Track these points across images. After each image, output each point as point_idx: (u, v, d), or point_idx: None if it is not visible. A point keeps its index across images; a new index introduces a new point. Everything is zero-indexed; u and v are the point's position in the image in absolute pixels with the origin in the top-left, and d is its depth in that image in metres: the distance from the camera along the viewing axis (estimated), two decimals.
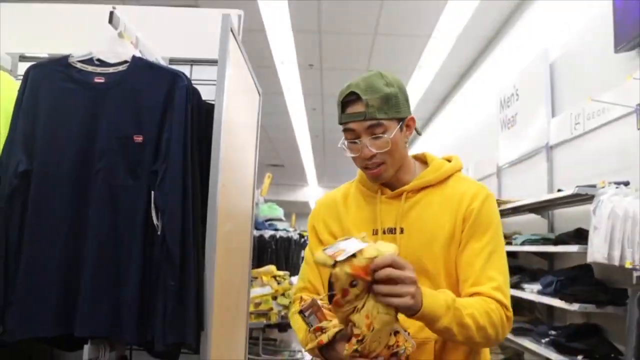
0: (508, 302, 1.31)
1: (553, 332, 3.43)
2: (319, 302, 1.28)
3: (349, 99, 1.34)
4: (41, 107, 1.70)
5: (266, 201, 8.90)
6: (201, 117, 1.84)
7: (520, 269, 4.29)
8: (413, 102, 8.02)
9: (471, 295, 1.31)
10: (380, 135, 1.34)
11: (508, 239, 4.23)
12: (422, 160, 1.53)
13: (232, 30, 1.88)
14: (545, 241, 3.63)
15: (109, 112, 1.71)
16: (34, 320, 1.62)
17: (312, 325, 1.28)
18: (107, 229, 1.66)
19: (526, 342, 3.63)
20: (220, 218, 1.80)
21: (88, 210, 1.67)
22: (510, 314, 1.31)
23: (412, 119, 1.43)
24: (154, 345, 1.64)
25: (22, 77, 1.78)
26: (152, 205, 1.68)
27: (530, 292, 3.61)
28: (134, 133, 1.70)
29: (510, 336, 3.87)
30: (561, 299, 3.12)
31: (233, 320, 2.13)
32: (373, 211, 1.45)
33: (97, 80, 1.73)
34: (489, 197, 1.41)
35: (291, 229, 8.90)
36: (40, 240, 1.65)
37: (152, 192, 1.69)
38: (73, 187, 1.68)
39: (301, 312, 1.29)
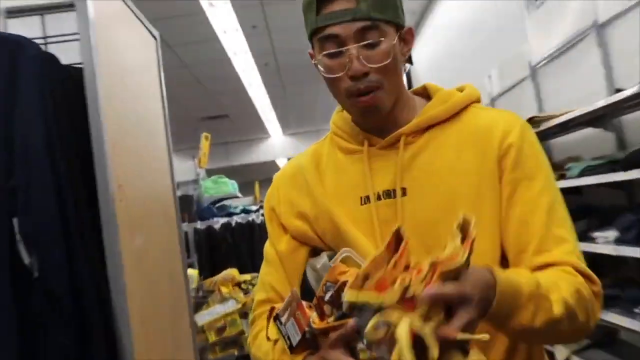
0: (590, 271, 1.31)
1: None
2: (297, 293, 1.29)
3: None
4: None
5: (210, 174, 8.87)
6: (68, 93, 1.85)
7: (587, 209, 4.33)
8: None
9: (540, 268, 1.30)
10: (377, 42, 1.34)
11: (560, 170, 4.27)
12: (423, 94, 1.56)
13: None
14: (613, 165, 3.64)
15: None
16: None
17: (289, 339, 1.29)
18: None
19: (614, 317, 3.63)
20: (123, 233, 1.84)
21: None
22: (599, 288, 1.31)
23: (411, 32, 1.44)
24: None
25: None
26: (18, 237, 1.70)
27: (605, 242, 3.64)
28: None
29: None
30: None
31: None
32: (360, 171, 1.46)
33: None
34: (526, 126, 1.43)
35: (253, 208, 8.91)
36: None
37: (14, 219, 1.70)
38: None
39: (276, 317, 1.31)
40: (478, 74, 6.67)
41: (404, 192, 1.41)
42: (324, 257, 1.44)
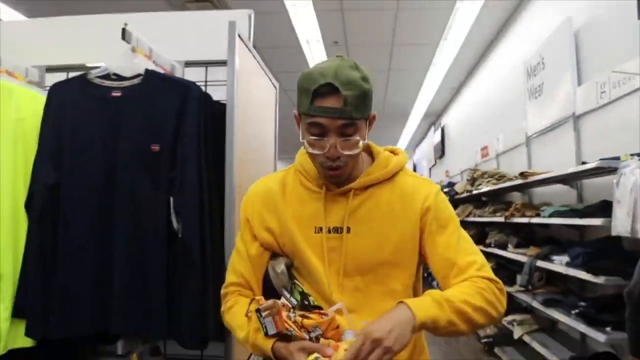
0: (493, 276, 1.30)
1: (583, 304, 3.43)
2: (280, 304, 1.25)
3: (323, 91, 1.20)
4: (64, 123, 1.81)
5: None
6: (215, 121, 1.90)
7: (551, 240, 4.27)
8: (441, 73, 7.92)
9: (455, 283, 1.29)
10: (351, 135, 1.24)
11: (536, 210, 4.21)
12: (367, 151, 1.45)
13: (239, 36, 1.93)
14: (573, 213, 3.58)
15: (127, 125, 1.80)
16: (72, 321, 1.76)
17: (266, 328, 1.25)
18: (132, 234, 1.77)
19: (556, 314, 3.64)
20: (238, 215, 1.86)
21: (114, 218, 1.78)
22: (501, 285, 1.30)
23: (374, 117, 1.32)
24: (182, 339, 1.76)
25: (48, 88, 1.88)
26: (172, 210, 1.77)
27: (560, 264, 3.59)
28: (151, 143, 1.78)
29: (541, 307, 3.89)
30: (588, 271, 3.11)
31: None
32: (317, 208, 1.36)
33: (114, 94, 1.82)
34: (438, 191, 1.38)
35: None
36: (72, 248, 1.78)
37: (171, 199, 1.77)
38: (99, 196, 1.79)
39: (258, 310, 1.26)
40: (489, 136, 6.58)
41: (348, 230, 1.32)
42: (281, 263, 1.38)
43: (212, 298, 1.73)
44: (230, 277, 1.44)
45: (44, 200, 1.77)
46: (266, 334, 1.25)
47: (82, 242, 1.78)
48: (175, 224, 1.76)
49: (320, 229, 1.34)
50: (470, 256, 1.32)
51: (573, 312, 3.43)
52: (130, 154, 1.79)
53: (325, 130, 1.23)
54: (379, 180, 1.36)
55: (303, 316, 1.26)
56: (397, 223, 1.33)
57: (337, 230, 1.33)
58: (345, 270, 1.32)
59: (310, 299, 1.33)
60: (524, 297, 4.24)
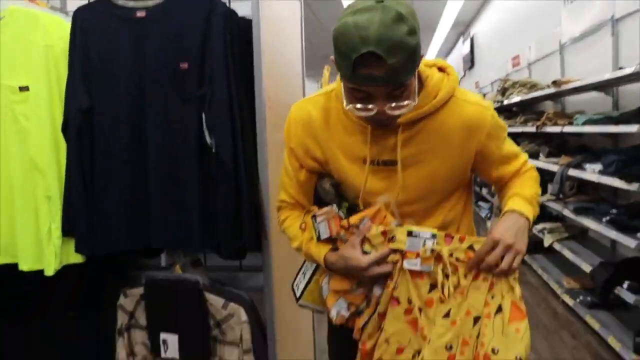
0: (530, 163, 1.43)
1: (614, 211, 3.43)
2: (336, 211, 1.30)
3: (366, 59, 1.06)
4: (91, 47, 1.81)
5: None
6: (241, 38, 1.87)
7: (584, 148, 4.21)
8: None
9: (508, 177, 1.40)
10: (401, 97, 1.15)
11: (569, 119, 4.13)
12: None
13: None
14: (608, 120, 3.51)
15: (153, 44, 1.79)
16: (115, 237, 1.84)
17: (319, 233, 1.30)
18: (166, 151, 1.81)
19: (587, 221, 3.66)
20: (269, 129, 1.89)
21: (147, 136, 1.81)
22: (534, 166, 1.44)
23: (422, 57, 1.18)
24: (220, 250, 1.84)
25: (72, 14, 1.88)
26: (204, 125, 1.79)
27: (592, 172, 3.55)
28: (179, 61, 1.78)
29: (572, 215, 3.90)
30: (620, 178, 3.07)
31: None
32: (364, 141, 1.29)
33: (139, 14, 1.80)
34: (493, 114, 1.32)
35: None
36: (109, 167, 1.83)
37: (203, 114, 1.79)
38: (131, 116, 1.82)
39: (313, 216, 1.31)
40: (520, 44, 6.35)
41: (395, 163, 1.28)
42: (328, 182, 1.41)
43: (246, 210, 1.78)
44: (282, 194, 1.48)
45: (78, 123, 1.81)
46: (318, 239, 1.31)
47: (118, 161, 1.83)
48: (208, 139, 1.78)
49: (369, 161, 1.30)
50: (518, 158, 1.40)
51: (604, 219, 3.44)
52: (158, 72, 1.79)
53: (371, 97, 1.14)
54: (429, 112, 1.27)
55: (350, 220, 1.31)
56: (451, 154, 1.29)
57: (387, 163, 1.29)
58: (397, 203, 1.32)
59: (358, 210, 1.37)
60: (555, 206, 4.25)
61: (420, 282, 1.25)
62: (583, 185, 4.22)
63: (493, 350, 1.19)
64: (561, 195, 4.09)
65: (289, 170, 1.44)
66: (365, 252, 1.27)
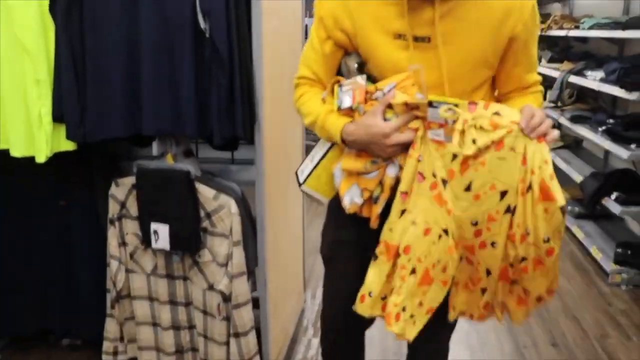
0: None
1: (611, 121, 3.42)
2: (364, 83, 1.26)
3: None
4: None
5: None
6: None
7: (588, 54, 4.13)
8: None
9: (521, 88, 1.39)
10: None
11: (576, 22, 4.01)
12: None
13: None
14: (615, 25, 3.40)
15: None
16: (107, 123, 1.81)
17: (342, 101, 1.26)
18: (159, 34, 1.74)
19: (583, 130, 3.65)
20: (266, 15, 1.82)
21: (139, 19, 1.74)
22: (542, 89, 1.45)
23: None
24: (212, 138, 1.82)
25: None
26: (198, 9, 1.72)
27: (593, 79, 3.50)
28: None
29: (568, 124, 3.89)
30: (621, 87, 3.04)
31: (286, 111, 2.17)
32: (400, 12, 1.25)
33: None
34: (534, 7, 1.29)
35: None
36: (100, 49, 1.77)
37: None
38: None
39: (340, 84, 1.28)
40: None
41: (429, 39, 1.25)
42: (354, 60, 1.36)
43: (240, 98, 1.75)
44: (303, 70, 1.43)
45: (68, 2, 1.73)
46: (339, 108, 1.27)
47: (109, 43, 1.76)
48: (202, 23, 1.72)
49: (403, 36, 1.26)
50: (535, 71, 1.40)
51: (600, 128, 3.43)
52: None
53: None
54: None
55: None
56: (484, 37, 1.26)
57: (423, 39, 1.25)
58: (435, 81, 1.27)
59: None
60: (552, 114, 4.23)
61: (444, 151, 1.20)
62: (583, 93, 4.17)
63: (527, 231, 1.18)
64: (559, 103, 4.06)
65: (314, 42, 1.39)
66: (386, 119, 1.23)
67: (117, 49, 1.77)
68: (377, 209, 1.29)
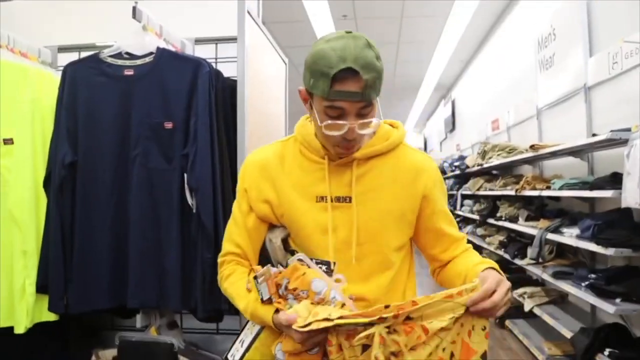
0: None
1: (592, 276, 3.46)
2: (273, 271, 1.29)
3: (343, 75, 1.18)
4: (79, 102, 1.86)
5: None
6: (226, 97, 1.93)
7: (562, 212, 4.30)
8: (451, 46, 7.86)
9: (453, 257, 1.43)
10: (368, 116, 1.25)
11: (547, 182, 4.23)
12: None
13: (249, 12, 1.95)
14: (583, 185, 3.60)
15: (140, 102, 1.84)
16: (91, 296, 1.83)
17: (262, 293, 1.29)
18: (147, 210, 1.82)
19: (566, 286, 3.67)
20: None
21: (129, 194, 1.84)
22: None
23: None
24: (197, 311, 1.82)
25: (62, 68, 1.92)
26: (186, 185, 1.81)
27: (570, 236, 3.61)
28: (164, 120, 1.83)
29: (551, 280, 3.93)
30: (597, 243, 3.13)
31: None
32: (320, 177, 1.36)
33: (127, 72, 1.86)
34: (437, 170, 1.44)
35: None
36: (89, 223, 1.84)
37: (185, 174, 1.82)
38: (114, 173, 1.85)
39: (255, 277, 1.30)
40: (500, 109, 6.57)
41: (349, 200, 1.34)
42: (278, 236, 1.40)
43: None
44: (227, 246, 1.44)
45: (61, 178, 1.83)
46: (262, 300, 1.30)
47: (98, 217, 1.84)
48: (189, 199, 1.81)
49: (324, 198, 1.34)
50: (457, 228, 1.46)
51: (583, 284, 3.47)
52: (144, 131, 1.83)
53: (344, 113, 1.23)
54: (381, 152, 1.37)
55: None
56: (399, 194, 1.36)
57: (342, 199, 1.34)
58: (357, 239, 1.34)
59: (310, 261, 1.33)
60: (535, 270, 4.29)
61: (354, 342, 1.18)
62: (562, 249, 4.28)
63: None
64: (540, 259, 4.14)
65: (236, 217, 1.44)
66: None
67: (105, 223, 1.84)
68: None
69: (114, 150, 1.85)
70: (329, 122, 1.23)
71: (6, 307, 1.81)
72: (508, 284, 1.20)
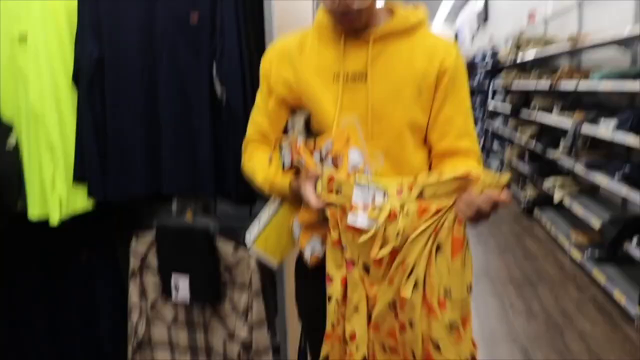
0: (478, 149, 1.40)
1: (627, 167, 3.38)
2: (296, 137, 1.31)
3: None
4: None
5: None
6: None
7: (599, 105, 4.13)
8: None
9: (452, 151, 1.35)
10: None
11: (586, 74, 4.04)
12: (388, 10, 1.41)
13: None
14: (626, 75, 3.42)
15: None
16: (127, 183, 1.86)
17: (284, 160, 1.32)
18: (178, 101, 1.81)
19: (599, 177, 3.63)
20: None
21: (158, 88, 1.81)
22: (481, 159, 1.39)
23: None
24: (230, 195, 1.85)
25: None
26: (215, 77, 1.79)
27: (606, 128, 3.48)
28: (190, 12, 1.76)
29: (583, 170, 3.87)
30: (637, 133, 3.02)
31: None
32: (336, 54, 1.35)
33: None
34: (459, 55, 1.36)
35: None
36: (121, 117, 1.84)
37: (214, 66, 1.78)
38: (141, 67, 1.82)
39: (280, 147, 1.33)
40: None
41: (365, 77, 1.33)
42: (301, 119, 1.38)
43: None
44: (250, 130, 1.50)
45: (90, 74, 1.81)
46: (283, 167, 1.32)
47: (130, 112, 1.83)
48: (218, 91, 1.78)
49: (338, 75, 1.34)
50: (470, 127, 1.38)
51: (617, 174, 3.40)
52: (169, 24, 1.78)
53: None
54: (398, 30, 1.34)
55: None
56: (416, 74, 1.32)
57: (357, 77, 1.33)
58: (371, 115, 1.32)
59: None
60: (567, 161, 4.20)
61: (361, 238, 1.20)
62: (596, 143, 4.15)
63: (446, 292, 1.17)
64: (573, 152, 4.04)
65: (258, 102, 1.48)
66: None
67: (136, 117, 1.84)
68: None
69: (140, 44, 1.80)
70: None
71: (39, 200, 1.85)
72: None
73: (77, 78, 1.85)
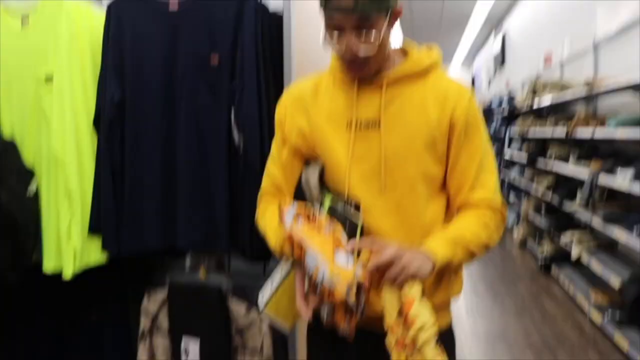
0: (500, 199, 1.41)
1: None
2: (301, 206, 1.36)
3: None
4: (125, 39, 1.93)
5: None
6: (272, 32, 1.96)
7: (616, 153, 4.24)
8: None
9: (465, 203, 1.39)
10: (368, 30, 1.27)
11: (602, 121, 4.16)
12: (403, 51, 1.46)
13: None
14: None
15: (185, 37, 1.91)
16: (142, 236, 1.94)
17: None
18: (195, 148, 1.91)
19: (617, 231, 3.67)
20: None
21: (176, 131, 1.92)
22: (505, 209, 1.42)
23: (399, 10, 1.33)
24: (244, 251, 1.93)
25: (105, 4, 1.99)
26: (233, 122, 1.89)
27: (623, 179, 3.55)
28: (211, 54, 1.89)
29: (601, 225, 3.93)
30: None
31: None
32: (349, 101, 1.40)
33: (172, 8, 1.92)
34: (472, 96, 1.41)
35: None
36: (139, 163, 1.94)
37: (232, 110, 1.89)
38: (162, 110, 1.93)
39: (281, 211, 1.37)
40: (553, 42, 6.42)
41: (378, 124, 1.37)
42: (315, 171, 1.43)
43: None
44: (265, 181, 1.55)
45: (111, 117, 1.92)
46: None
47: (148, 157, 1.93)
48: (236, 137, 1.88)
49: (351, 122, 1.38)
50: (487, 175, 1.40)
51: (635, 228, 3.45)
52: (190, 66, 1.90)
53: (341, 28, 1.28)
54: (412, 73, 1.39)
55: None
56: (429, 121, 1.36)
57: (370, 124, 1.37)
58: (385, 166, 1.37)
59: (340, 204, 1.39)
60: (583, 215, 4.28)
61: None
62: (614, 194, 4.25)
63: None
64: (590, 203, 4.11)
65: (273, 152, 1.54)
66: None
67: (154, 162, 1.93)
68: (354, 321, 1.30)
69: (161, 87, 1.92)
70: (328, 37, 1.31)
71: (55, 251, 1.91)
72: (420, 259, 1.23)
73: (97, 122, 1.94)
